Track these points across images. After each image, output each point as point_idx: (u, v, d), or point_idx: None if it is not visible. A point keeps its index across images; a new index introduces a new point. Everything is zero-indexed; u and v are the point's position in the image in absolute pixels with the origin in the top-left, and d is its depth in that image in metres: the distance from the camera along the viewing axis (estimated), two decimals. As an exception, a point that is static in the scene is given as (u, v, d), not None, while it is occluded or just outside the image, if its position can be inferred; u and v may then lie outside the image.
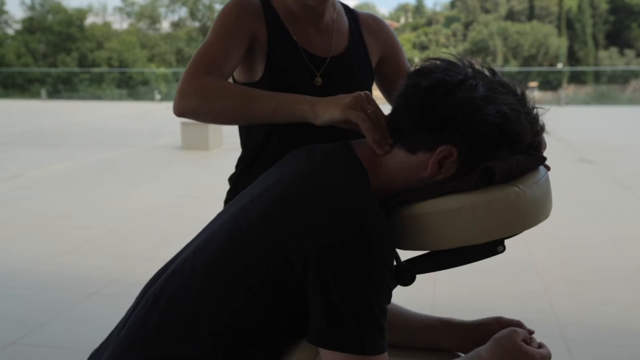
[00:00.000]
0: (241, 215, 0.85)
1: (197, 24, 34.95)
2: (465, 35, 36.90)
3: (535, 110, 0.88)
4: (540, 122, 0.89)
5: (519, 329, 0.93)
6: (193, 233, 0.97)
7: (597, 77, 24.19)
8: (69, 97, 21.52)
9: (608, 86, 20.55)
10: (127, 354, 0.84)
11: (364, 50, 1.24)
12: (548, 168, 0.92)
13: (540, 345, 0.93)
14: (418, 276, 0.91)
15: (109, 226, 4.13)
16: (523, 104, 0.86)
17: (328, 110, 0.96)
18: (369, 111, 0.92)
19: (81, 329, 2.52)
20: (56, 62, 28.14)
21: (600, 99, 18.51)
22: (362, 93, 0.95)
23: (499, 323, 0.99)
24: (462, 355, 0.96)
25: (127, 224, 4.21)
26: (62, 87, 24.42)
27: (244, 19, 1.14)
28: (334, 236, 0.76)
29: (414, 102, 0.86)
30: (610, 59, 30.52)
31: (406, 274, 0.89)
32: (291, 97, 1.02)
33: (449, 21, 41.18)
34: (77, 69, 26.82)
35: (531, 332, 0.95)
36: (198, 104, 1.04)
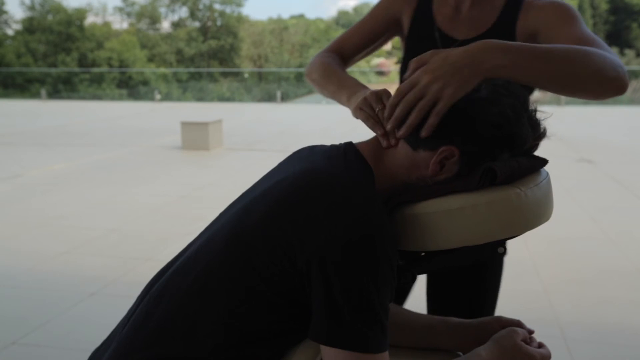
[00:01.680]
0: (243, 214, 0.85)
1: (197, 24, 34.95)
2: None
3: (536, 113, 0.88)
4: (542, 125, 0.89)
5: (518, 329, 0.93)
6: (194, 233, 0.98)
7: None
8: (68, 97, 21.53)
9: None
10: (129, 353, 0.84)
11: (510, 29, 1.16)
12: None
13: (540, 345, 0.93)
14: (418, 276, 0.91)
15: (109, 226, 4.14)
16: (525, 106, 0.87)
17: (351, 107, 1.02)
18: (377, 110, 0.92)
19: (81, 329, 2.52)
20: (56, 62, 28.16)
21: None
22: (374, 92, 0.95)
23: (499, 323, 1.00)
24: (462, 355, 0.96)
25: (128, 224, 4.21)
26: (62, 87, 24.43)
27: (392, 3, 1.27)
28: (337, 235, 0.76)
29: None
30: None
31: (407, 274, 0.89)
32: (345, 84, 1.11)
33: (449, 21, 41.04)
34: (77, 69, 26.83)
35: (531, 332, 0.95)
36: (308, 74, 1.28)
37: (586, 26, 1.09)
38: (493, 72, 0.83)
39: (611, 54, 0.96)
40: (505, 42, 0.85)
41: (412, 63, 0.86)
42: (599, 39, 1.03)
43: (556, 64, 0.86)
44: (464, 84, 0.81)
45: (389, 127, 0.87)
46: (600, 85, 0.90)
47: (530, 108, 0.87)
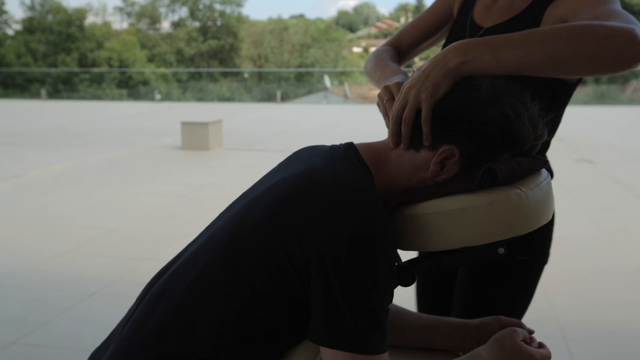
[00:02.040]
0: (244, 214, 0.85)
1: (197, 24, 34.94)
2: (465, 35, 36.88)
3: (537, 114, 0.88)
4: (542, 126, 0.89)
5: (518, 329, 0.93)
6: (194, 233, 0.97)
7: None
8: (68, 97, 21.54)
9: (608, 86, 20.53)
10: (129, 353, 0.84)
11: (537, 15, 1.12)
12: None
13: (541, 345, 0.93)
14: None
15: (109, 226, 4.14)
16: (526, 106, 0.87)
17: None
18: (385, 101, 0.95)
19: (82, 329, 2.52)
20: (56, 62, 28.16)
21: (600, 99, 18.49)
22: (387, 85, 0.97)
23: (499, 323, 1.00)
24: (462, 355, 0.96)
25: (128, 224, 4.21)
26: (62, 87, 24.43)
27: None
28: (337, 235, 0.76)
29: None
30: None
31: (407, 275, 0.89)
32: (385, 73, 1.13)
33: (449, 21, 41.06)
34: (77, 69, 26.82)
35: (531, 332, 0.95)
36: (364, 68, 1.27)
37: (617, 4, 1.00)
38: (461, 69, 0.85)
39: (626, 22, 0.88)
40: (476, 39, 0.88)
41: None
42: (625, 14, 0.94)
43: (526, 48, 0.85)
44: (436, 85, 0.85)
45: (391, 130, 0.90)
46: (594, 58, 0.84)
47: (531, 108, 0.87)
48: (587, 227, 4.15)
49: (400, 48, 1.31)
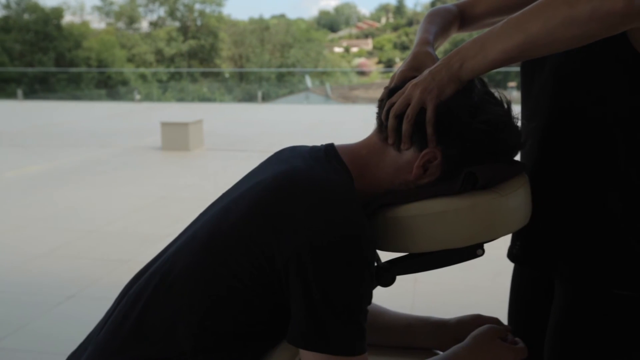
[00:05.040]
0: (223, 215, 0.85)
1: (177, 24, 34.68)
2: (445, 36, 37.19)
3: (518, 122, 0.90)
4: (523, 135, 0.91)
5: (496, 326, 0.95)
6: (174, 234, 0.97)
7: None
8: (46, 98, 21.18)
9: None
10: (106, 356, 0.83)
11: None
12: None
13: (516, 342, 0.95)
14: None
15: (88, 227, 4.09)
16: (509, 115, 0.88)
17: None
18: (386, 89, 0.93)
19: (59, 332, 2.49)
20: (33, 62, 27.70)
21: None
22: (396, 73, 0.95)
23: (477, 320, 1.01)
24: (441, 353, 0.97)
25: (107, 226, 4.16)
26: (39, 87, 24.03)
27: None
28: (315, 236, 0.76)
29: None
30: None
31: (387, 275, 0.90)
32: (416, 40, 1.03)
33: (429, 22, 41.36)
34: (54, 69, 26.43)
35: (508, 329, 0.97)
36: None
37: None
38: (461, 72, 0.84)
39: None
40: (472, 39, 0.85)
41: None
42: None
43: (507, 36, 0.81)
44: (441, 87, 0.84)
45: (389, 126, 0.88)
46: (569, 22, 0.77)
47: (514, 117, 0.89)
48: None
49: (472, 13, 1.10)
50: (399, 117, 0.86)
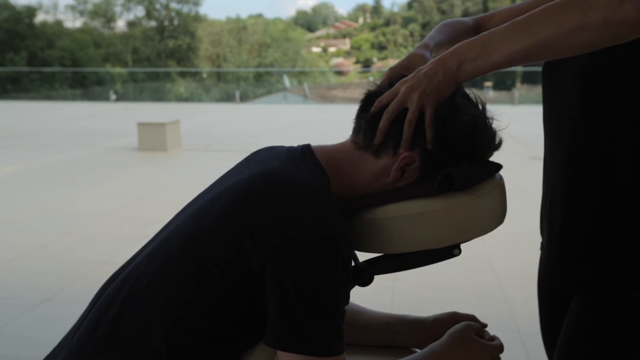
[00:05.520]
0: (199, 216, 0.84)
1: (153, 23, 34.32)
2: (422, 36, 37.49)
3: (493, 123, 0.90)
4: (498, 137, 0.92)
5: (472, 323, 0.96)
6: (150, 236, 0.96)
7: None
8: (18, 98, 20.77)
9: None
10: (80, 359, 0.82)
11: None
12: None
13: (493, 338, 0.96)
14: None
15: (63, 230, 4.02)
16: (486, 116, 0.89)
17: None
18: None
19: (33, 337, 2.44)
20: (4, 61, 27.13)
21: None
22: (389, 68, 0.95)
23: (454, 318, 1.02)
24: (419, 351, 0.98)
25: (82, 228, 4.10)
26: (11, 87, 23.54)
27: None
28: (292, 237, 0.76)
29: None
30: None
31: (364, 275, 0.91)
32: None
33: (407, 22, 41.79)
34: (26, 69, 25.93)
35: (484, 326, 0.99)
36: None
37: None
38: (459, 75, 0.83)
39: None
40: (470, 40, 0.84)
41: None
42: None
43: (513, 39, 0.80)
44: (440, 89, 0.83)
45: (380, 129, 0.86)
46: (581, 29, 0.76)
47: (489, 118, 0.90)
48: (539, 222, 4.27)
49: (489, 27, 1.10)
50: (393, 119, 0.85)
